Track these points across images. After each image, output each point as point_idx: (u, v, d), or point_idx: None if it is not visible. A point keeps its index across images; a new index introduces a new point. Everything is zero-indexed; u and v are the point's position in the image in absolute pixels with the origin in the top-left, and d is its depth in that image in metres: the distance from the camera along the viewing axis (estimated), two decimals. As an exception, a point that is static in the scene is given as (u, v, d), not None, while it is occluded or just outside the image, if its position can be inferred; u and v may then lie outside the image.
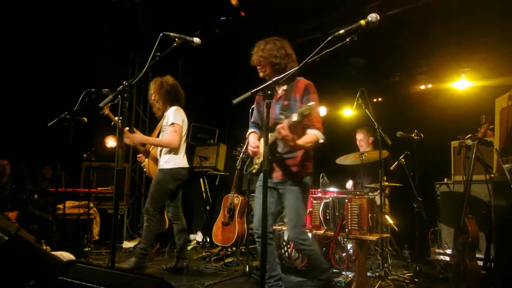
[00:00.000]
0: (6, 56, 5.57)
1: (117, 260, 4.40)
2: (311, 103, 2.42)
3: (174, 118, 3.98)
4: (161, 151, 4.11)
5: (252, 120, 3.25)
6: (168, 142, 3.98)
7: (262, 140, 2.90)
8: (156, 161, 4.19)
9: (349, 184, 5.09)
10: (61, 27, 5.86)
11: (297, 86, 2.88)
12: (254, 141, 2.95)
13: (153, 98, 4.12)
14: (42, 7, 5.62)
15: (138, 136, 4.07)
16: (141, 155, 4.34)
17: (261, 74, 2.96)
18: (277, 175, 2.90)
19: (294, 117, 2.42)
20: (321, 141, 2.77)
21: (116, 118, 2.50)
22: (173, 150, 4.03)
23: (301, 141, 2.69)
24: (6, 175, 5.33)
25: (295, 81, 2.91)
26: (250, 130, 3.14)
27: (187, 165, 4.16)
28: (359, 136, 5.05)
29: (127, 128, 3.80)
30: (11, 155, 5.45)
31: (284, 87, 2.97)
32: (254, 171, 2.87)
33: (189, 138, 6.81)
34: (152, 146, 4.26)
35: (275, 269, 2.91)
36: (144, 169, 4.39)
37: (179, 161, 4.06)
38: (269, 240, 2.89)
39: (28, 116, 5.68)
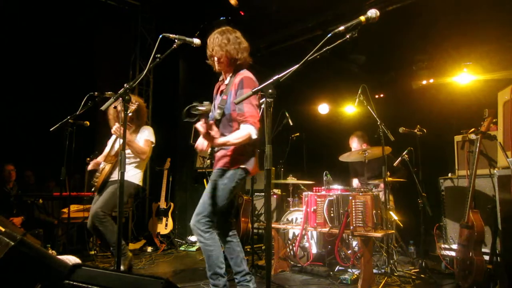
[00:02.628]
0: (9, 60, 5.59)
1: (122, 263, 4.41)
2: (205, 105, 2.35)
3: (151, 136, 4.03)
4: (127, 162, 3.93)
5: None
6: (145, 151, 3.94)
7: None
8: (112, 169, 3.97)
9: (355, 182, 5.09)
10: (61, 31, 5.88)
11: (234, 80, 2.79)
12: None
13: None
14: (42, 12, 5.64)
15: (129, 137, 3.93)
16: (101, 158, 4.03)
17: (218, 68, 2.86)
18: (214, 165, 2.87)
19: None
20: (254, 137, 2.66)
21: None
22: (139, 165, 4.02)
23: (226, 138, 2.63)
24: (12, 181, 5.37)
25: (237, 74, 2.82)
26: None
27: (141, 185, 4.13)
28: (353, 144, 5.04)
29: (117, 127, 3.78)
30: (17, 160, 5.48)
31: (226, 81, 2.90)
32: (208, 163, 2.91)
33: (191, 139, 6.82)
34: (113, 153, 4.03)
35: (241, 265, 2.87)
36: (98, 173, 3.97)
37: (140, 179, 4.05)
38: (229, 237, 2.92)
39: (32, 122, 5.70)
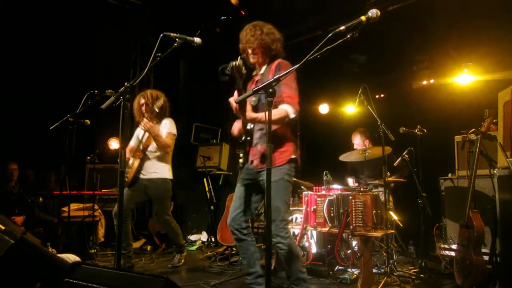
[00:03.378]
0: (9, 60, 5.59)
1: (122, 261, 4.41)
2: (236, 60, 2.31)
3: (173, 128, 4.16)
4: (156, 158, 4.12)
5: None
6: (170, 144, 4.09)
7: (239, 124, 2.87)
8: (141, 166, 4.12)
9: (350, 181, 5.08)
10: (61, 30, 5.87)
11: (271, 68, 2.76)
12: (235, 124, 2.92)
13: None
14: (43, 11, 5.64)
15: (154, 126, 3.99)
16: (128, 152, 4.11)
17: (252, 60, 2.83)
18: (256, 164, 2.76)
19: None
20: (292, 115, 2.59)
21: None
22: (167, 160, 4.17)
23: (260, 114, 2.57)
24: (14, 180, 5.37)
25: (273, 62, 2.80)
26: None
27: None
28: (356, 141, 5.03)
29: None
30: (17, 159, 5.48)
31: (262, 71, 2.87)
32: (240, 165, 2.84)
33: (192, 138, 6.82)
34: (137, 149, 4.16)
35: (254, 266, 2.79)
36: (128, 169, 4.06)
37: (171, 173, 4.24)
38: (244, 236, 2.77)
39: (32, 120, 5.70)
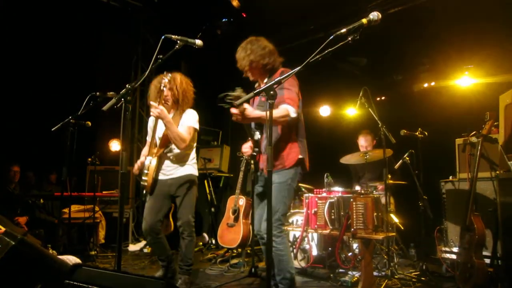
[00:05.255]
0: (11, 61, 5.60)
1: (123, 263, 4.41)
2: (236, 90, 2.33)
3: (194, 122, 3.51)
4: (176, 157, 3.49)
5: None
6: (185, 138, 3.36)
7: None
8: (159, 166, 3.48)
9: (358, 188, 5.07)
10: (63, 32, 5.89)
11: (274, 78, 2.75)
12: (246, 146, 3.04)
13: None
14: (44, 12, 5.66)
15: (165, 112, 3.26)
16: (147, 151, 3.46)
17: (251, 78, 2.96)
18: (265, 170, 2.82)
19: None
20: (292, 115, 2.68)
21: None
22: (190, 156, 3.56)
23: (262, 113, 2.57)
24: (15, 182, 5.38)
25: (274, 73, 2.90)
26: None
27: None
28: (366, 142, 4.98)
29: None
30: (18, 161, 5.49)
31: (265, 80, 2.96)
32: (251, 172, 2.89)
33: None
34: (158, 150, 3.47)
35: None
36: (146, 171, 3.37)
37: (196, 168, 3.66)
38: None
39: (34, 122, 5.71)
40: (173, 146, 3.44)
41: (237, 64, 2.95)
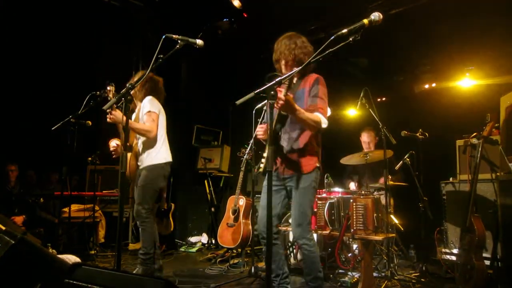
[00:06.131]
0: (11, 60, 5.60)
1: (122, 262, 4.42)
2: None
3: (151, 106, 3.60)
4: (142, 145, 3.66)
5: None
6: (149, 129, 3.51)
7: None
8: (136, 158, 3.71)
9: (352, 185, 5.07)
10: (63, 31, 5.89)
11: (307, 80, 2.85)
12: (260, 126, 2.90)
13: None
14: (44, 11, 5.66)
15: (120, 115, 3.33)
16: (116, 145, 3.63)
17: (285, 71, 2.86)
18: (283, 170, 2.86)
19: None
20: (323, 125, 2.70)
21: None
22: (154, 143, 3.63)
23: (302, 111, 2.58)
24: (13, 181, 5.37)
25: (307, 75, 2.88)
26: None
27: (171, 160, 3.75)
28: (368, 138, 5.00)
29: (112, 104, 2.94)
30: (18, 160, 5.49)
31: (294, 81, 2.88)
32: (260, 170, 2.84)
33: (193, 140, 6.82)
34: (134, 141, 3.76)
35: (282, 268, 2.92)
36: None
37: (166, 155, 3.69)
38: (274, 240, 2.86)
39: (34, 121, 5.71)
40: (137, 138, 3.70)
41: (274, 54, 2.89)
